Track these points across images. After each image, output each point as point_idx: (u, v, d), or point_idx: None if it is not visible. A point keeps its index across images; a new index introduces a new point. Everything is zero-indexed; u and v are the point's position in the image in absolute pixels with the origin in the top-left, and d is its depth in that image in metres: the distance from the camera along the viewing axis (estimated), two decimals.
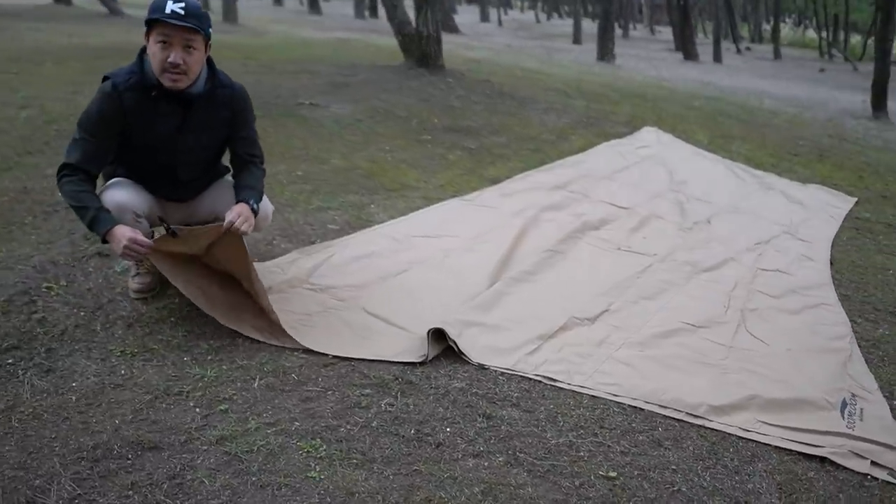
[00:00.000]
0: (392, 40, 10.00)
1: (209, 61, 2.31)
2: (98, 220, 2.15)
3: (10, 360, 2.10)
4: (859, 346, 2.72)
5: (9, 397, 1.94)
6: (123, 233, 2.13)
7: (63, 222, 3.13)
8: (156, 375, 2.08)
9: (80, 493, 1.61)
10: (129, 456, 1.74)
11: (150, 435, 1.82)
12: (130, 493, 1.62)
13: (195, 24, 2.13)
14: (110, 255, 2.83)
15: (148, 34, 2.17)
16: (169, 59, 2.14)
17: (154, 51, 2.16)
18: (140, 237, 2.15)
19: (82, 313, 2.40)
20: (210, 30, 2.23)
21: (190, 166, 2.44)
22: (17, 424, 1.83)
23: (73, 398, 1.95)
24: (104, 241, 2.18)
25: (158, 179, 2.41)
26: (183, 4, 2.11)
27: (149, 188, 2.42)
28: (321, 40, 11.60)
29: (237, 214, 2.23)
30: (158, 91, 2.22)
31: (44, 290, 2.51)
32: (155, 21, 2.12)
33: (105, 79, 2.25)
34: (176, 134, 2.32)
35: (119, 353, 2.18)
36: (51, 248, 2.86)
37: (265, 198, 2.56)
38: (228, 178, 2.63)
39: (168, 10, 2.10)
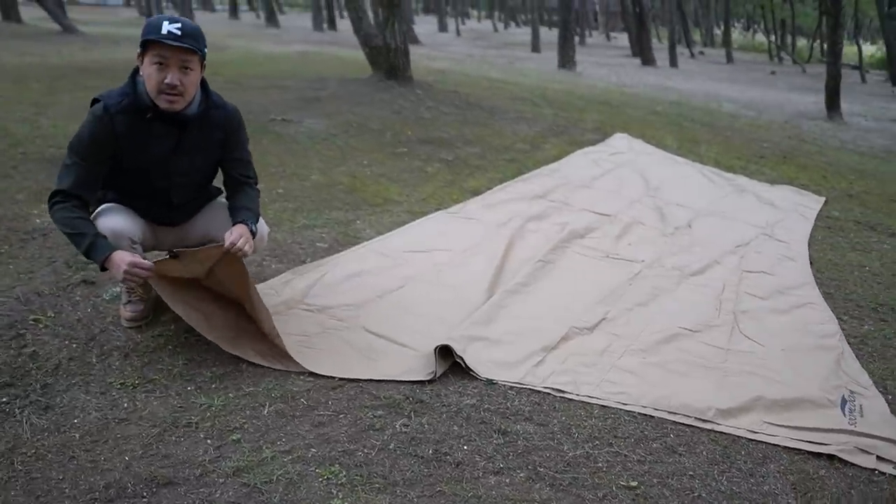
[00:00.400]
0: (357, 52, 9.97)
1: (203, 82, 2.26)
2: (95, 247, 2.08)
3: (4, 399, 2.01)
4: (848, 343, 2.80)
5: (7, 438, 1.85)
6: (123, 258, 2.07)
7: (41, 249, 3.02)
8: (161, 407, 2.02)
9: None
10: (145, 493, 1.68)
11: (163, 470, 1.76)
12: None
13: (192, 44, 2.09)
14: (96, 282, 2.74)
15: (142, 55, 2.11)
16: (166, 81, 2.09)
17: (150, 72, 2.10)
18: (140, 261, 2.09)
19: (75, 345, 2.31)
20: (206, 49, 2.18)
21: (183, 189, 2.38)
22: (20, 467, 1.75)
23: (77, 436, 1.88)
24: (103, 269, 2.11)
25: (151, 203, 2.34)
26: (179, 24, 2.07)
27: (140, 212, 2.35)
28: (284, 54, 11.50)
29: (238, 235, 2.18)
30: (154, 113, 2.16)
31: (31, 322, 2.41)
32: (151, 42, 2.06)
33: (95, 101, 2.18)
34: (170, 156, 2.26)
35: (119, 386, 2.10)
36: (32, 277, 2.75)
37: (261, 219, 2.51)
38: (221, 199, 2.58)
39: (164, 31, 2.05)
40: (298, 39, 18.08)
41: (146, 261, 2.13)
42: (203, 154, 2.34)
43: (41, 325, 2.40)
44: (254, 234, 2.30)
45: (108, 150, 2.16)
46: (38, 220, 3.35)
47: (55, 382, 2.11)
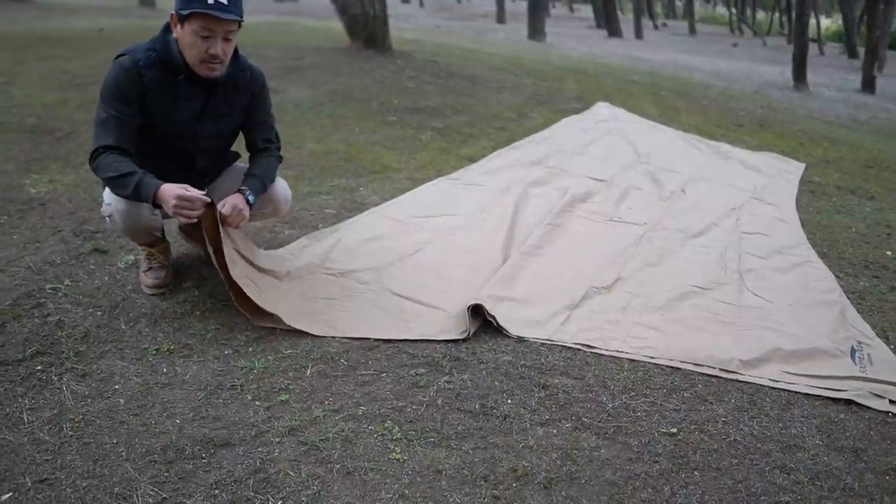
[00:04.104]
0: (326, 23, 9.79)
1: None
2: (142, 185, 2.02)
3: (38, 367, 1.96)
4: (847, 298, 2.92)
5: (51, 405, 1.81)
6: (170, 191, 2.00)
7: (43, 219, 2.94)
8: (202, 371, 2.00)
9: (164, 497, 1.54)
10: (203, 455, 1.68)
11: (217, 432, 1.75)
12: (217, 491, 1.57)
13: (238, 14, 2.05)
14: (109, 251, 2.69)
15: (182, 22, 2.04)
16: (210, 52, 2.05)
17: (192, 41, 2.05)
18: (186, 193, 2.00)
19: (99, 313, 2.26)
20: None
21: (207, 154, 2.33)
22: (70, 432, 1.72)
23: (122, 401, 1.85)
24: (156, 206, 2.05)
25: (174, 169, 2.28)
26: None
27: (161, 178, 2.28)
28: (253, 24, 11.18)
29: (230, 208, 2.16)
30: (186, 75, 2.10)
31: (49, 291, 2.35)
32: (198, 13, 2.00)
33: (118, 56, 2.11)
34: (196, 119, 2.21)
35: (154, 352, 2.08)
36: (40, 247, 2.67)
37: (284, 183, 2.49)
38: (238, 165, 2.54)
39: (211, 1, 1.99)
40: (260, 10, 17.55)
41: (194, 192, 2.03)
42: (228, 118, 2.30)
43: (60, 294, 2.34)
44: (250, 204, 2.27)
45: (138, 103, 2.10)
46: (32, 191, 3.24)
47: (87, 350, 2.07)
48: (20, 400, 1.82)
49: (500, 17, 22.02)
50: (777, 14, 28.09)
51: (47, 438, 1.69)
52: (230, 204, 2.19)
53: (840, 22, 23.16)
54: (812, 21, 21.20)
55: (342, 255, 2.78)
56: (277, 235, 2.97)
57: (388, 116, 5.36)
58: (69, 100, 4.85)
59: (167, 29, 2.12)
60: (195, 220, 2.08)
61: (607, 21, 19.39)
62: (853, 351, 2.45)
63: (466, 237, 3.11)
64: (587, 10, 26.83)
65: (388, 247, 2.90)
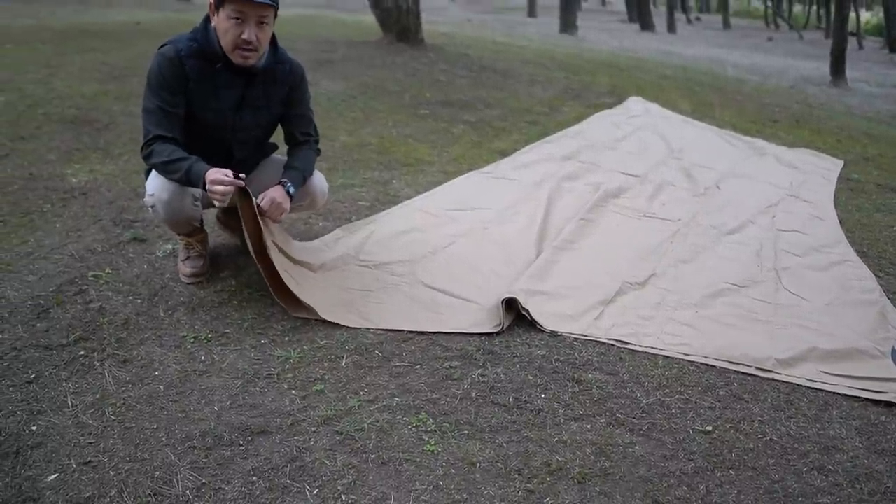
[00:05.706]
0: (358, 16, 9.81)
1: (272, 36, 2.23)
2: (192, 170, 2.07)
3: (81, 352, 2.01)
4: (888, 298, 2.85)
5: (94, 390, 1.86)
6: (210, 176, 2.04)
7: (84, 208, 3.00)
8: (239, 360, 2.03)
9: (204, 482, 1.57)
10: (241, 442, 1.71)
11: (254, 420, 1.78)
12: (254, 478, 1.59)
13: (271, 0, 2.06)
14: (147, 240, 2.75)
15: (217, 7, 2.07)
16: (243, 37, 2.07)
17: (226, 27, 2.07)
18: (220, 177, 2.03)
19: (139, 301, 2.31)
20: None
21: (245, 145, 2.36)
22: (112, 417, 1.76)
23: (161, 387, 1.89)
24: (206, 189, 2.09)
25: (213, 159, 2.32)
26: None
27: None
28: (285, 16, 11.29)
29: (269, 201, 2.18)
30: (224, 63, 2.13)
31: (91, 278, 2.41)
32: None
33: (162, 46, 2.15)
34: (235, 109, 2.24)
35: (193, 340, 2.12)
36: (82, 235, 2.74)
37: (321, 176, 2.52)
38: (275, 157, 2.57)
39: None
40: (293, 3, 17.72)
41: (226, 180, 2.05)
42: (266, 110, 2.33)
43: (101, 282, 2.40)
44: (291, 196, 2.28)
45: (182, 92, 2.14)
46: (73, 180, 3.32)
47: (128, 337, 2.12)
48: (64, 384, 1.87)
49: (532, 11, 21.89)
50: (814, 7, 27.45)
51: (90, 422, 1.74)
52: (269, 197, 2.21)
53: (881, 15, 22.53)
54: (851, 14, 20.67)
55: (376, 247, 2.80)
56: (312, 227, 3.00)
57: (420, 110, 5.37)
58: (108, 91, 4.94)
59: (208, 19, 2.15)
60: (233, 206, 2.11)
61: (640, 15, 19.14)
62: (894, 352, 2.40)
63: (499, 231, 3.11)
64: (619, 4, 26.51)
65: (421, 239, 2.92)
